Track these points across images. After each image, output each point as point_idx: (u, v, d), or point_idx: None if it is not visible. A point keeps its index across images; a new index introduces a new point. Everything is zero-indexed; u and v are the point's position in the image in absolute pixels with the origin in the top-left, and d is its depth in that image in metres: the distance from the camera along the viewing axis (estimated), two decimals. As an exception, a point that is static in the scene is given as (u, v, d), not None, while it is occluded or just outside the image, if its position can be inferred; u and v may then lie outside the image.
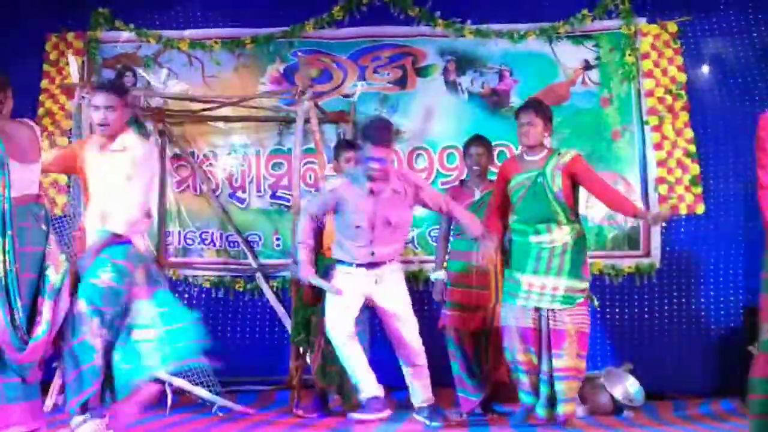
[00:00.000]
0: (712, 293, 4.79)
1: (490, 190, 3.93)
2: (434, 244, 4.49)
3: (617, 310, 4.82)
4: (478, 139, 4.12)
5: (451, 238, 4.12)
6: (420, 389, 3.55)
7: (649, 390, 4.22)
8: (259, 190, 5.08)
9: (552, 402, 3.47)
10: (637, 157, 4.89)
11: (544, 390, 3.46)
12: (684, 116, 4.85)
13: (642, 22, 4.91)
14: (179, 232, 5.09)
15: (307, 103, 4.50)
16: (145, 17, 5.22)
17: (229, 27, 5.23)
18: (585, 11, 4.95)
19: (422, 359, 3.56)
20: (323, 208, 3.61)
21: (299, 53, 5.13)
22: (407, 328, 3.54)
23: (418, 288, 4.80)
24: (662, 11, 4.98)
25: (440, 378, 3.82)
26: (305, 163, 4.73)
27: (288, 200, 4.85)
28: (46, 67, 5.18)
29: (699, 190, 4.78)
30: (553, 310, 3.41)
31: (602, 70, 4.97)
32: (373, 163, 3.36)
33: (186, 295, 4.92)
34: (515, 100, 4.96)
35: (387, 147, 3.45)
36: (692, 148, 4.82)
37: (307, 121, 4.51)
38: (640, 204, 4.66)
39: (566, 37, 5.00)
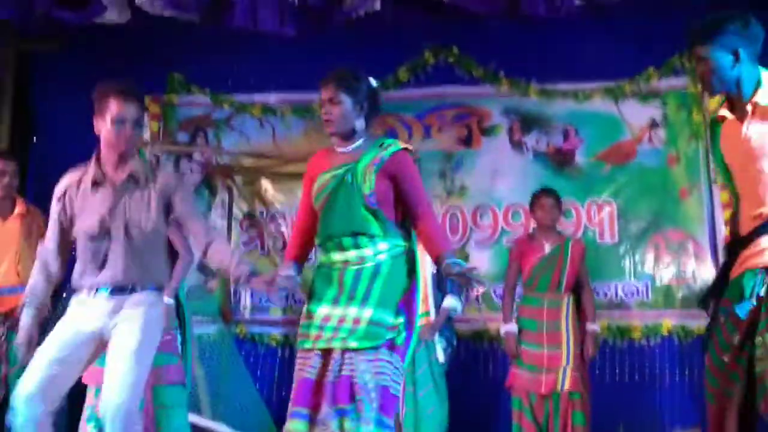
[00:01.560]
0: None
1: (560, 243, 4.01)
2: (498, 300, 4.52)
3: (687, 371, 4.72)
4: (547, 192, 4.17)
5: (522, 295, 4.17)
6: None
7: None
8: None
9: None
10: (705, 216, 4.83)
11: None
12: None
13: None
14: (246, 291, 5.18)
15: None
16: (219, 81, 5.41)
17: (299, 92, 5.36)
18: (651, 69, 4.95)
19: None
20: None
21: None
22: None
23: (483, 346, 4.84)
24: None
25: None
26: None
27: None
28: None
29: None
30: (348, 350, 2.37)
31: (669, 128, 4.95)
32: None
33: (253, 354, 5.02)
34: (580, 159, 5.01)
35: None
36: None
37: None
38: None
39: (632, 96, 5.00)
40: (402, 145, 2.65)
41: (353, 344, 2.33)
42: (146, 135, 4.88)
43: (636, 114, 5.01)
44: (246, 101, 5.36)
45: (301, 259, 2.61)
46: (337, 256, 2.46)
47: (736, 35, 2.21)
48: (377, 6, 4.53)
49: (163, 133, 5.29)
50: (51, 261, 2.70)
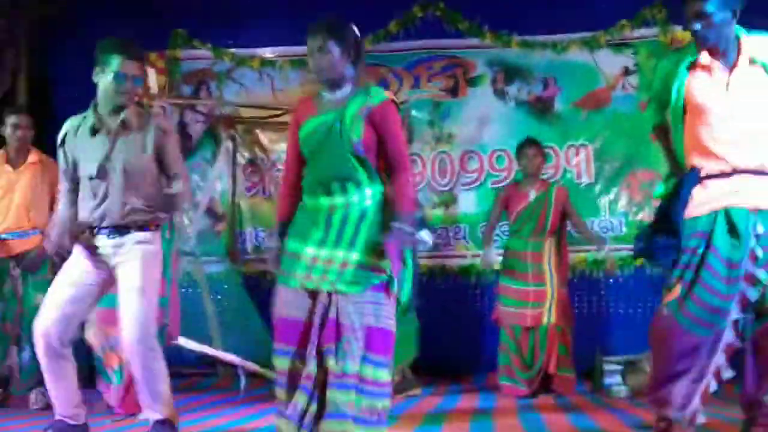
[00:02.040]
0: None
1: (544, 190, 4.33)
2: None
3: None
4: (531, 142, 4.46)
5: (508, 237, 4.55)
6: None
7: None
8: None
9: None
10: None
11: (301, 400, 2.35)
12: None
13: (678, 30, 5.18)
14: (251, 232, 5.60)
15: None
16: (219, 36, 5.70)
17: (295, 46, 5.59)
18: (624, 21, 5.31)
19: None
20: None
21: None
22: None
23: (470, 280, 5.28)
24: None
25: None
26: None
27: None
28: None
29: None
30: (335, 293, 2.40)
31: (641, 75, 5.33)
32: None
33: (258, 289, 5.36)
34: (559, 107, 5.41)
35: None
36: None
37: None
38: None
39: (606, 46, 5.36)
40: (389, 95, 2.58)
41: (341, 288, 2.37)
42: (153, 88, 5.17)
43: (610, 63, 5.38)
44: (245, 55, 5.67)
45: (291, 217, 2.58)
46: (324, 200, 2.46)
47: None
48: None
49: (169, 87, 5.59)
50: (66, 200, 2.97)
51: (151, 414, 2.80)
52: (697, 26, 2.39)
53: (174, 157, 2.97)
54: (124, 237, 2.85)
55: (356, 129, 2.43)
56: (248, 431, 3.30)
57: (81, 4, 5.49)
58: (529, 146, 4.44)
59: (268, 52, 5.73)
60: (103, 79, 2.83)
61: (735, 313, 2.37)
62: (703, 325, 2.34)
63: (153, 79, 5.17)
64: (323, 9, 5.03)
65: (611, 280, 5.31)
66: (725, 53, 2.44)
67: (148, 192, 2.90)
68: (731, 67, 2.43)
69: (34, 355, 3.25)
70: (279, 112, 5.51)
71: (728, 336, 2.39)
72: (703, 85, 2.44)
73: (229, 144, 5.51)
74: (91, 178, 2.83)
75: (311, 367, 2.33)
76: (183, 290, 4.51)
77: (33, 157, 4.19)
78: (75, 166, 2.90)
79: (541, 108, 5.42)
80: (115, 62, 2.79)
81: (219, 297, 5.13)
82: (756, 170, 2.37)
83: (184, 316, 4.05)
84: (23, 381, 4.09)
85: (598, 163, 5.35)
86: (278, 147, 5.65)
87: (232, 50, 5.65)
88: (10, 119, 4.10)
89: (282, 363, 2.38)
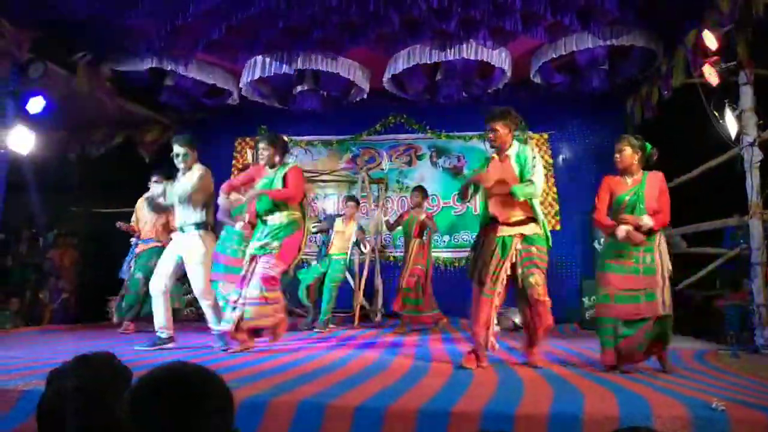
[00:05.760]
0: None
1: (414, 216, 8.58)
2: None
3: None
4: (418, 188, 7.73)
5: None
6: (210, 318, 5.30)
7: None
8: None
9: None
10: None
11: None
12: (551, 181, 9.44)
13: (530, 133, 9.36)
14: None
15: (362, 173, 9.25)
16: (285, 128, 9.43)
17: (324, 135, 9.79)
18: (501, 126, 9.55)
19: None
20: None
21: (360, 148, 9.83)
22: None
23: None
24: (538, 127, 9.46)
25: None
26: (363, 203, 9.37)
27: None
28: (235, 154, 10.06)
29: (558, 218, 9.35)
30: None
31: None
32: None
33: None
34: (465, 172, 9.59)
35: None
36: (556, 197, 9.40)
37: (362, 181, 9.27)
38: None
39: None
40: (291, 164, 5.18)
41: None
42: (249, 159, 9.57)
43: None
44: (297, 139, 9.90)
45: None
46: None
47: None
48: (365, 95, 8.55)
49: (255, 159, 9.72)
50: None
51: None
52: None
53: (193, 184, 5.13)
54: (184, 233, 5.29)
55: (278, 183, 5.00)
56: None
57: (210, 113, 9.66)
58: (415, 190, 7.85)
59: (309, 138, 9.89)
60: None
61: None
62: None
63: (249, 155, 9.53)
64: (338, 116, 9.27)
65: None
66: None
67: (195, 209, 5.19)
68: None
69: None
70: (316, 173, 9.81)
71: None
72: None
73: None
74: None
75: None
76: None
77: None
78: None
79: (455, 172, 9.59)
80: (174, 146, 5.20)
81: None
82: None
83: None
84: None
85: (486, 203, 9.52)
86: (315, 192, 9.84)
87: (291, 136, 9.71)
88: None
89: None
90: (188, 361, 1.41)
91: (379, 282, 8.88)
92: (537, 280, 4.16)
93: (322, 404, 2.77)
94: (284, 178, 5.02)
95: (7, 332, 7.10)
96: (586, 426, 2.55)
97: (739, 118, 6.18)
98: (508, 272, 4.22)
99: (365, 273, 8.65)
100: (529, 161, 4.29)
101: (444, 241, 9.21)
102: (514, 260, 4.20)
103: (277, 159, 5.17)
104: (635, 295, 4.10)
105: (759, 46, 5.97)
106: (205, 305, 5.20)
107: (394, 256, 9.38)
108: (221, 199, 5.16)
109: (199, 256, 5.12)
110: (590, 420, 2.57)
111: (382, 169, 9.67)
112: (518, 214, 4.25)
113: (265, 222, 5.07)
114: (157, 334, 5.19)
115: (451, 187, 9.38)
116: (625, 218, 4.19)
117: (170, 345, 5.18)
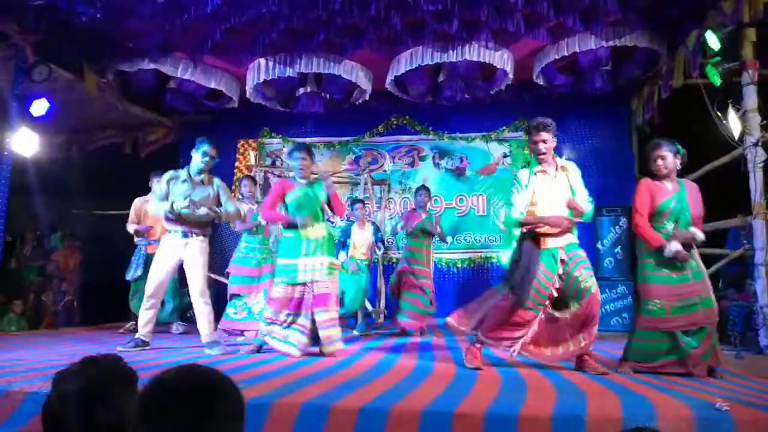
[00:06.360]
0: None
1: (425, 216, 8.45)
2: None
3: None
4: (423, 187, 7.65)
5: None
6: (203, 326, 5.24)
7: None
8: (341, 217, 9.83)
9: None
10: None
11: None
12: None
13: None
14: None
15: (365, 175, 9.27)
16: (287, 130, 9.87)
17: (326, 137, 9.80)
18: (504, 127, 9.51)
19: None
20: None
21: (362, 150, 9.87)
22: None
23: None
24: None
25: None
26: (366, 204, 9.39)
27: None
28: (238, 155, 10.06)
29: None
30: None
31: (513, 157, 9.50)
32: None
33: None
34: (468, 173, 9.55)
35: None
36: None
37: (365, 183, 9.30)
38: None
39: (494, 140, 9.56)
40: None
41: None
42: (250, 160, 9.60)
43: (496, 149, 9.57)
44: (300, 141, 9.93)
45: None
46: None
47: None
48: (367, 97, 8.51)
49: (257, 159, 9.89)
50: None
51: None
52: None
53: (227, 196, 5.39)
54: (189, 238, 5.19)
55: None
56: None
57: (212, 115, 9.67)
58: (421, 189, 7.52)
59: (311, 139, 9.86)
60: (195, 155, 5.19)
61: None
62: None
63: (252, 156, 9.57)
64: (341, 118, 9.26)
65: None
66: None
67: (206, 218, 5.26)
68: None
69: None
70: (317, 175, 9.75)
71: None
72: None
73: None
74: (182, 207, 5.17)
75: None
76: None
77: None
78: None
79: (458, 173, 9.61)
80: (208, 149, 5.21)
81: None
82: None
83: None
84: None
85: (488, 204, 9.50)
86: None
87: (293, 138, 9.84)
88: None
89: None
90: (200, 363, 1.39)
91: (382, 283, 8.86)
92: (595, 285, 4.10)
93: (325, 406, 2.78)
94: (325, 191, 5.28)
95: (11, 335, 7.10)
96: (590, 427, 2.55)
97: (742, 118, 6.18)
98: (556, 286, 4.17)
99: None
100: (578, 176, 4.33)
101: (447, 242, 9.16)
102: (561, 271, 4.15)
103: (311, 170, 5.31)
104: (691, 303, 4.02)
105: (763, 46, 5.97)
106: (202, 305, 5.21)
107: (396, 258, 9.36)
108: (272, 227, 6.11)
109: (204, 260, 5.25)
110: (594, 421, 2.57)
111: (385, 171, 9.67)
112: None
113: (305, 235, 5.07)
114: (139, 336, 5.29)
115: (453, 188, 9.38)
116: (682, 235, 4.08)
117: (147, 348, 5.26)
